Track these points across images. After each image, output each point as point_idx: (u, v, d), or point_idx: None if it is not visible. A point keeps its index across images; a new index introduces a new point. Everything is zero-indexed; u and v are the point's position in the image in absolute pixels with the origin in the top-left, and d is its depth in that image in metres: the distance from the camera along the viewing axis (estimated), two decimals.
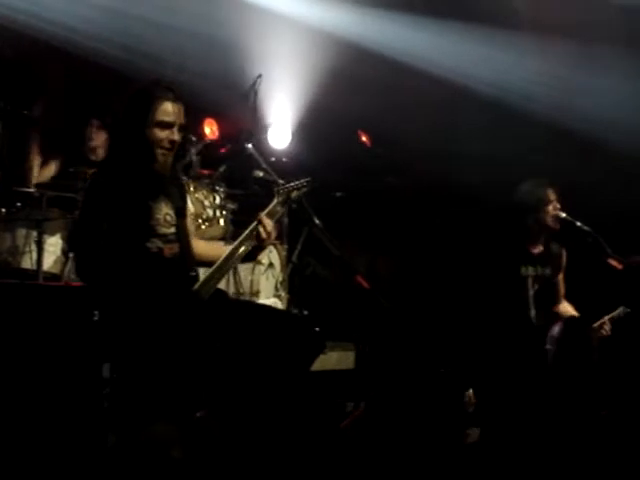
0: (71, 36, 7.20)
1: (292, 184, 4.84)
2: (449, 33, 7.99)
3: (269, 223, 4.62)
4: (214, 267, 4.57)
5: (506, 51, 7.91)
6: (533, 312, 6.07)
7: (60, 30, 7.19)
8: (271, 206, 4.71)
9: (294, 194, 4.82)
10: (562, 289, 6.33)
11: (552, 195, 6.14)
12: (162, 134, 4.47)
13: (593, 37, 7.50)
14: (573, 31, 7.50)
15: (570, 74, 7.68)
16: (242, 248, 4.61)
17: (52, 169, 7.14)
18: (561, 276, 6.30)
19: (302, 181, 4.87)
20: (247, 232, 4.62)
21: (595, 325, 6.06)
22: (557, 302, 6.30)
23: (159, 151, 4.49)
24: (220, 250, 4.71)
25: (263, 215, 4.63)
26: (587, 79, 7.60)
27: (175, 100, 4.50)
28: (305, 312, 7.11)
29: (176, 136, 4.49)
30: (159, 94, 4.49)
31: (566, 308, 6.34)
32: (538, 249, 6.18)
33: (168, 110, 4.48)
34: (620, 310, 6.16)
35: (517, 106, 7.83)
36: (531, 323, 5.96)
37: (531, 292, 6.08)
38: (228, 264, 4.63)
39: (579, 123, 7.55)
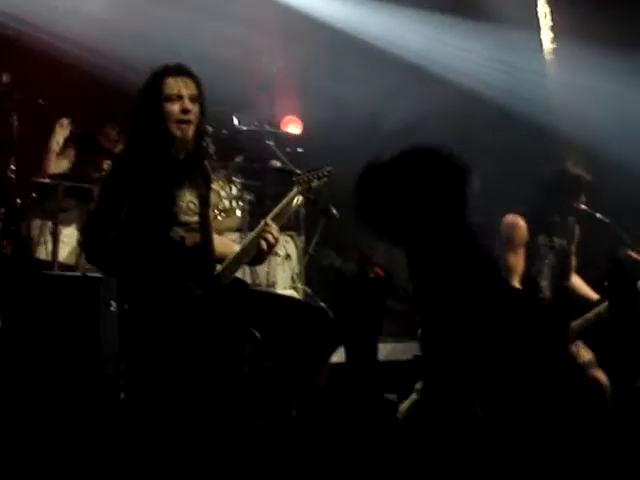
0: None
1: (313, 173, 4.75)
2: (458, 32, 7.96)
3: (275, 228, 4.53)
4: (232, 257, 4.52)
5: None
6: (545, 283, 6.08)
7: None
8: (283, 203, 4.62)
9: (314, 183, 4.73)
10: (574, 262, 6.30)
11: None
12: (173, 106, 4.40)
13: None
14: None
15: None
16: (251, 249, 4.53)
17: (68, 159, 7.09)
18: (573, 249, 6.27)
19: (323, 170, 4.78)
20: (253, 234, 4.56)
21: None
22: (568, 274, 6.26)
23: (174, 125, 4.41)
24: (228, 247, 4.66)
25: (269, 219, 4.55)
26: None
27: (178, 74, 4.45)
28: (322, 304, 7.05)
29: (188, 105, 4.41)
30: (162, 72, 4.45)
31: (578, 282, 6.31)
32: (555, 220, 6.15)
33: (172, 83, 4.42)
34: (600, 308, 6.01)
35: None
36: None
37: (546, 261, 6.09)
38: (242, 259, 4.57)
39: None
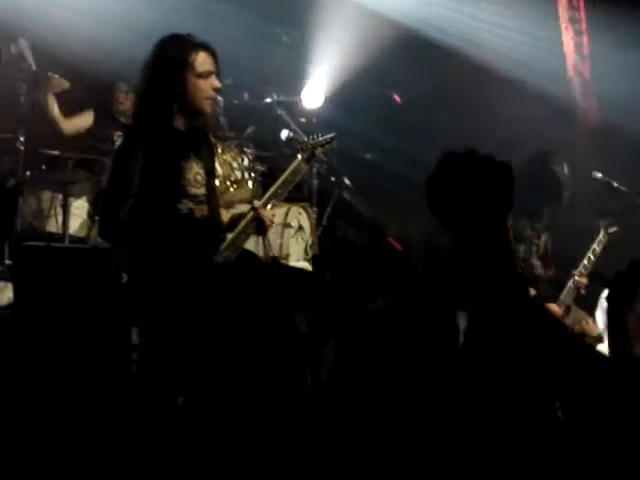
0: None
1: (316, 140, 4.77)
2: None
3: (269, 213, 4.52)
4: (229, 240, 4.47)
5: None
6: (537, 262, 6.07)
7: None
8: (288, 172, 4.63)
9: (318, 150, 4.77)
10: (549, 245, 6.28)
11: None
12: (205, 84, 4.38)
13: None
14: None
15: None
16: (247, 232, 4.51)
17: (87, 120, 7.01)
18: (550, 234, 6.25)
19: (326, 137, 4.80)
20: (244, 222, 4.50)
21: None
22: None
23: (205, 102, 4.40)
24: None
25: (260, 205, 4.53)
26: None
27: (207, 49, 4.41)
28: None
29: (218, 83, 4.41)
30: (193, 46, 4.39)
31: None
32: (536, 207, 6.10)
33: (205, 59, 4.38)
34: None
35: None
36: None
37: (535, 241, 6.07)
38: (240, 241, 4.52)
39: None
